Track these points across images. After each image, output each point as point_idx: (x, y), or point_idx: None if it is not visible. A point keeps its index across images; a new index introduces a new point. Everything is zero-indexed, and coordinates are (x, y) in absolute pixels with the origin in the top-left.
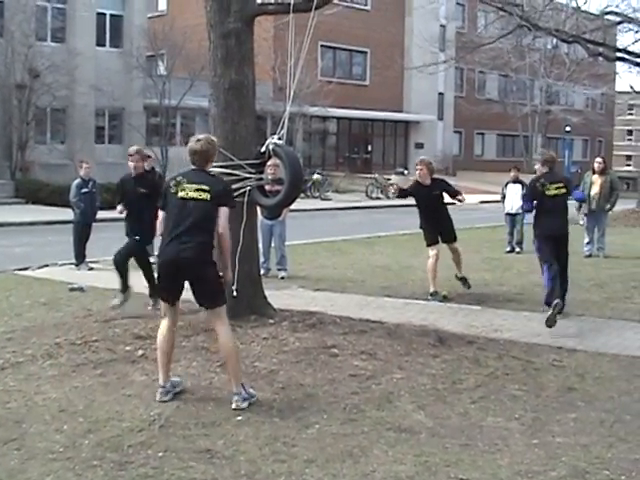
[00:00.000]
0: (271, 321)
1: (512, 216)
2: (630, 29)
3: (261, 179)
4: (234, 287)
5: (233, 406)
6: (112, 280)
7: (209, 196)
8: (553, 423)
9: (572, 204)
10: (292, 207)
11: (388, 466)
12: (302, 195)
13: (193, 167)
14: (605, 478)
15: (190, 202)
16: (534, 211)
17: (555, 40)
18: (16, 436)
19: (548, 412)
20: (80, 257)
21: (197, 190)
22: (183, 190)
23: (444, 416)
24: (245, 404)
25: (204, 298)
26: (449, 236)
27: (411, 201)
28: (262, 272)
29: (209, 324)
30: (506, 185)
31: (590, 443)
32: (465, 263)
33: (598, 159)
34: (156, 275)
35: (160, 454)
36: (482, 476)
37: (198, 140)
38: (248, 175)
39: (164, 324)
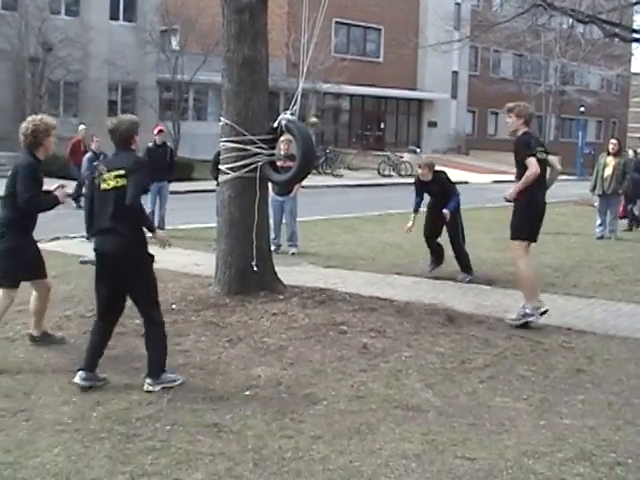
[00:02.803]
0: (281, 297)
1: None
2: None
3: (273, 155)
4: (254, 262)
5: (511, 317)
6: None
7: None
8: (561, 404)
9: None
10: (303, 183)
11: (395, 444)
12: (314, 172)
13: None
14: (612, 461)
15: None
16: None
17: (571, 20)
18: (25, 407)
19: (556, 393)
20: (91, 230)
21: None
22: None
23: (452, 395)
24: (518, 320)
25: None
26: None
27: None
28: (272, 248)
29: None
30: None
31: (598, 425)
32: (477, 243)
33: (613, 140)
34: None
35: (168, 427)
36: (489, 456)
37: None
38: (260, 151)
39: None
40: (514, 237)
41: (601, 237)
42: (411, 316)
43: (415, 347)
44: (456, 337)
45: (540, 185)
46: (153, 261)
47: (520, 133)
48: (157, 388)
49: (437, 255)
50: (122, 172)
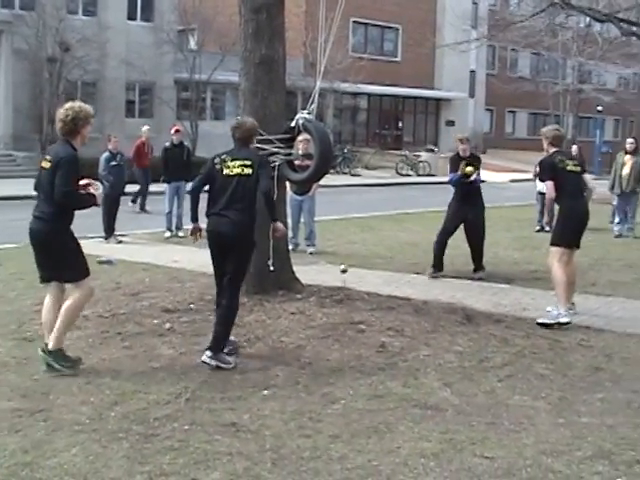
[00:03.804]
0: (299, 296)
1: (543, 195)
2: None
3: (290, 154)
4: (270, 262)
5: (542, 321)
6: (141, 253)
7: None
8: (579, 403)
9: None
10: (321, 183)
11: (413, 443)
12: (332, 171)
13: None
14: (631, 459)
15: None
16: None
17: (588, 19)
18: (43, 407)
19: (575, 392)
20: (109, 230)
21: None
22: None
23: (470, 394)
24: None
25: None
26: None
27: (439, 178)
28: (290, 247)
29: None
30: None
31: (616, 424)
32: (496, 242)
33: (630, 139)
34: None
35: (186, 427)
36: (507, 454)
37: None
38: (277, 150)
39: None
40: (552, 243)
41: (619, 235)
42: (429, 315)
43: (433, 346)
44: (474, 336)
45: (576, 195)
46: (254, 248)
47: (550, 153)
48: (213, 363)
49: (440, 259)
50: (248, 162)
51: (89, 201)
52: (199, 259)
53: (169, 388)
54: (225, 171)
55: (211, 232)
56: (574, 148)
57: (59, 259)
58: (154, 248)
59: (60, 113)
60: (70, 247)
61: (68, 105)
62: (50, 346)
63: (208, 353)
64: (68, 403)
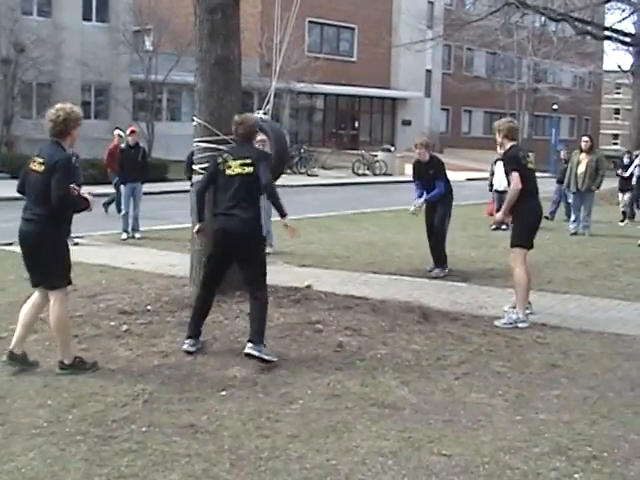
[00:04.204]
0: None
1: (500, 193)
2: (618, 8)
3: None
4: None
5: (501, 322)
6: (97, 255)
7: None
8: (536, 400)
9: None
10: (278, 183)
11: (371, 441)
12: (288, 171)
13: None
14: (587, 454)
15: None
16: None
17: (543, 18)
18: (0, 411)
19: (531, 389)
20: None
21: None
22: None
23: (428, 392)
24: (510, 325)
25: None
26: None
27: (396, 178)
28: None
29: None
30: (495, 162)
31: (573, 420)
32: (452, 240)
33: (585, 138)
34: None
35: (144, 429)
36: (465, 452)
37: None
38: None
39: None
40: (515, 245)
41: (575, 233)
42: (386, 314)
43: (390, 345)
44: (431, 334)
45: (534, 194)
46: (265, 242)
47: (507, 147)
48: (256, 353)
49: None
50: (248, 161)
51: (83, 204)
52: (156, 261)
53: (127, 390)
54: (227, 171)
55: (219, 230)
56: None
57: (47, 262)
58: (111, 250)
59: (51, 114)
60: (60, 253)
61: (59, 106)
62: (66, 361)
63: (250, 345)
64: (25, 406)
